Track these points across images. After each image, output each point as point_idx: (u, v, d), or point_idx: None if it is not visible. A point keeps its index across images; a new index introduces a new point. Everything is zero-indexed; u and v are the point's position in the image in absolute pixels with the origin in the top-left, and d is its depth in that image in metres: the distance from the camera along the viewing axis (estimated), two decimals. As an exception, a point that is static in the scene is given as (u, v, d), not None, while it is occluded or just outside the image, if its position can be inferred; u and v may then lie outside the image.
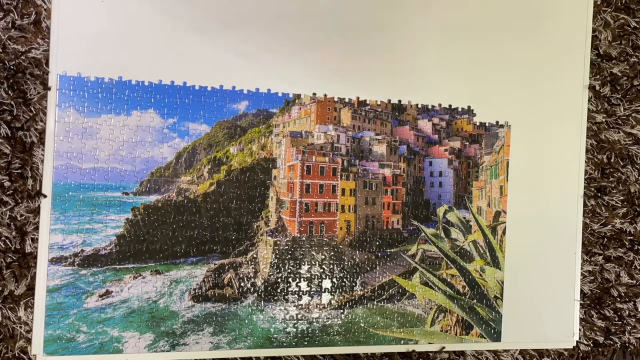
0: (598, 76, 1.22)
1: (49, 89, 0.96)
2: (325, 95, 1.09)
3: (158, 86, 1.01)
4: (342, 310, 1.08)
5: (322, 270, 1.08)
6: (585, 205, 1.21)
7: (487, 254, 1.16)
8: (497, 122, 1.17)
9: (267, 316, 1.05)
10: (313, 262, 1.08)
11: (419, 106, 1.14)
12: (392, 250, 1.12)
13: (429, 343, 1.12)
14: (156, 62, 1.01)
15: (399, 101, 1.13)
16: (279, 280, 1.06)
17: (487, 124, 1.17)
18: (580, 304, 1.21)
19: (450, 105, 1.15)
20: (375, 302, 1.10)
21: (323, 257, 1.09)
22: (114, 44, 0.99)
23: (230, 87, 1.03)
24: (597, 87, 1.22)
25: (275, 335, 1.05)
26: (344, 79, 1.09)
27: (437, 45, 1.13)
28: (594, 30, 1.22)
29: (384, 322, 1.10)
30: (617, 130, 1.23)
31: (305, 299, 1.07)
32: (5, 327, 0.95)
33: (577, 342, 1.21)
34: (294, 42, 1.06)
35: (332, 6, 1.07)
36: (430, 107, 1.15)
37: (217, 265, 1.04)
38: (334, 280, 1.09)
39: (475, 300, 1.15)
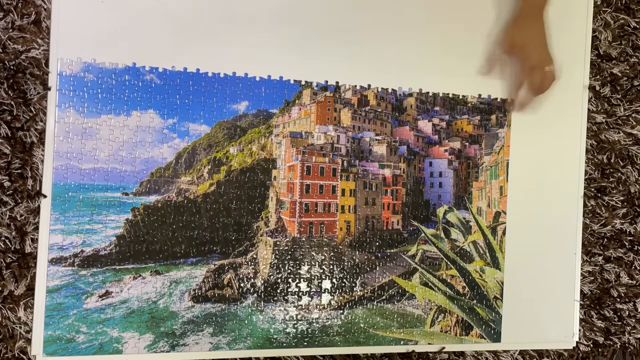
0: (598, 76, 1.22)
1: (49, 89, 0.96)
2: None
3: (158, 86, 1.01)
4: (341, 311, 1.08)
5: (322, 271, 1.08)
6: (585, 205, 1.21)
7: (487, 254, 1.16)
8: (498, 117, 1.17)
9: (267, 317, 1.05)
10: (313, 263, 1.08)
11: (422, 91, 1.14)
12: (392, 250, 1.12)
13: (429, 343, 1.12)
14: (157, 62, 1.01)
15: (402, 93, 1.13)
16: (279, 280, 1.06)
17: (486, 117, 1.17)
18: (580, 304, 1.21)
19: (449, 96, 1.15)
20: (375, 303, 1.10)
21: (323, 257, 1.09)
22: (114, 44, 0.99)
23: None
24: (597, 87, 1.22)
25: (275, 336, 1.05)
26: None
27: (437, 42, 1.13)
28: (594, 31, 1.22)
29: (383, 323, 1.10)
30: (617, 131, 1.23)
31: (305, 299, 1.07)
32: (5, 328, 0.95)
33: (577, 342, 1.21)
34: (300, 35, 1.06)
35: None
36: (430, 107, 1.15)
37: (216, 266, 1.04)
38: (334, 280, 1.09)
39: (475, 301, 1.15)
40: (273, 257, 1.06)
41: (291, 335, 1.06)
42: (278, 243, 1.07)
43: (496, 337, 1.15)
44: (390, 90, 1.13)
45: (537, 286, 1.18)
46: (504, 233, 1.17)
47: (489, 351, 1.16)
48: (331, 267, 1.09)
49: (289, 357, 1.07)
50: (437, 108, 1.16)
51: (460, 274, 1.14)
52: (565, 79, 1.20)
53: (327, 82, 1.10)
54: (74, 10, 0.97)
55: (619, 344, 1.24)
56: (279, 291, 1.06)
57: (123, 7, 0.99)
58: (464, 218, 1.17)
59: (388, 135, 1.14)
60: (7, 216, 0.95)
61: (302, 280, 1.07)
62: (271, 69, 1.06)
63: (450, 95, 1.16)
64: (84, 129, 0.98)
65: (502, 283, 1.16)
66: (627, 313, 1.24)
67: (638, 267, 1.24)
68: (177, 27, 1.01)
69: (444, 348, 1.13)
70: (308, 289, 1.07)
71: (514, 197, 1.17)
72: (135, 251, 1.01)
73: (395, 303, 1.11)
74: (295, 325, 1.06)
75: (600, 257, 1.23)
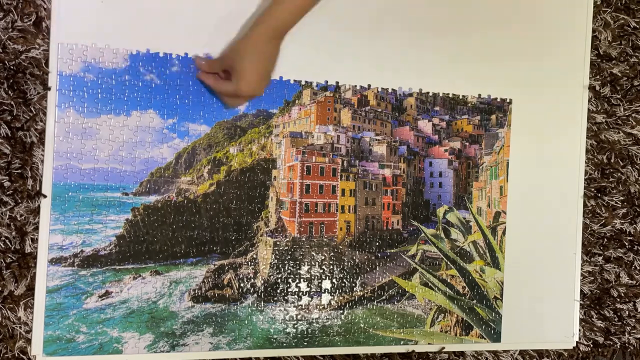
0: (598, 76, 1.22)
1: (49, 89, 0.96)
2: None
3: (158, 86, 1.01)
4: (341, 311, 1.08)
5: (321, 271, 1.08)
6: (585, 205, 1.21)
7: (487, 254, 1.16)
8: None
9: (267, 317, 1.05)
10: (313, 263, 1.08)
11: (422, 91, 1.14)
12: (392, 250, 1.12)
13: (429, 343, 1.12)
14: (157, 62, 1.00)
15: (403, 93, 1.13)
16: (279, 280, 1.06)
17: (486, 115, 1.17)
18: (580, 304, 1.21)
19: (449, 96, 1.15)
20: (375, 303, 1.10)
21: (323, 257, 1.09)
22: (114, 44, 0.99)
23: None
24: (597, 87, 1.22)
25: (275, 336, 1.05)
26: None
27: (438, 42, 1.13)
28: (594, 31, 1.22)
29: (383, 323, 1.10)
30: (617, 131, 1.23)
31: (305, 299, 1.07)
32: (5, 327, 0.95)
33: (577, 342, 1.21)
34: (300, 35, 1.06)
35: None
36: (430, 107, 1.15)
37: (216, 266, 1.04)
38: (334, 280, 1.09)
39: (475, 301, 1.15)
40: (273, 257, 1.06)
41: (291, 335, 1.06)
42: (278, 243, 1.07)
43: (496, 337, 1.15)
44: (390, 90, 1.13)
45: (537, 286, 1.18)
46: (504, 233, 1.17)
47: (489, 351, 1.16)
48: (331, 267, 1.09)
49: (289, 357, 1.07)
50: (437, 108, 1.16)
51: (460, 274, 1.14)
52: (565, 79, 1.20)
53: (327, 82, 1.10)
54: (74, 10, 0.97)
55: (619, 344, 1.24)
56: (279, 291, 1.06)
57: (123, 7, 0.99)
58: (464, 218, 1.17)
59: (388, 135, 1.14)
60: (7, 216, 0.95)
61: (302, 280, 1.07)
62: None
63: (450, 95, 1.16)
64: (84, 129, 0.98)
65: (502, 283, 1.16)
66: (627, 313, 1.24)
67: (638, 267, 1.24)
68: (177, 28, 1.01)
69: (444, 348, 1.13)
70: (308, 289, 1.07)
71: (514, 197, 1.17)
72: (135, 251, 1.01)
73: (395, 303, 1.11)
74: (295, 325, 1.06)
75: (600, 257, 1.23)
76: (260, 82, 0.95)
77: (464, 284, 1.14)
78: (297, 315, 1.06)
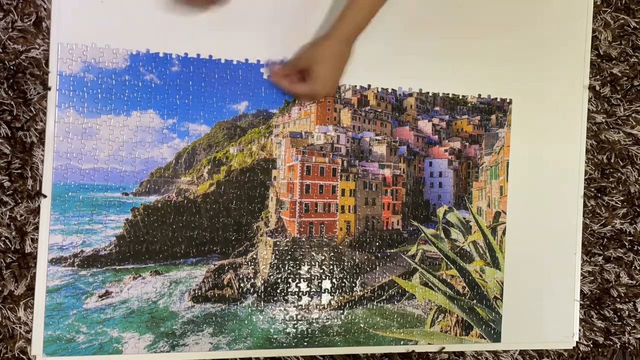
0: (598, 76, 1.22)
1: (49, 89, 0.96)
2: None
3: (158, 86, 1.01)
4: (341, 311, 1.08)
5: (321, 271, 1.08)
6: (585, 205, 1.21)
7: (487, 254, 1.16)
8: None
9: (267, 317, 1.05)
10: (313, 263, 1.08)
11: (422, 91, 1.14)
12: (392, 250, 1.12)
13: (429, 343, 1.12)
14: (157, 62, 1.00)
15: (402, 93, 1.13)
16: (279, 280, 1.06)
17: (485, 115, 1.17)
18: (580, 304, 1.21)
19: (449, 96, 1.15)
20: (375, 303, 1.10)
21: (323, 257, 1.09)
22: (114, 44, 0.99)
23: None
24: (597, 87, 1.22)
25: (275, 336, 1.05)
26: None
27: (437, 42, 1.13)
28: (594, 31, 1.22)
29: (383, 323, 1.10)
30: (617, 131, 1.23)
31: (305, 299, 1.07)
32: (4, 328, 0.95)
33: (577, 342, 1.21)
34: (301, 35, 1.06)
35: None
36: (430, 107, 1.15)
37: (216, 266, 1.04)
38: (334, 280, 1.09)
39: (475, 301, 1.15)
40: (273, 257, 1.06)
41: (291, 335, 1.06)
42: (278, 243, 1.07)
43: (496, 337, 1.15)
44: (390, 90, 1.13)
45: (537, 286, 1.18)
46: (504, 233, 1.17)
47: (489, 351, 1.16)
48: (331, 267, 1.09)
49: (289, 357, 1.07)
50: (437, 108, 1.16)
51: (460, 274, 1.14)
52: (565, 79, 1.20)
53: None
54: (74, 10, 0.97)
55: (619, 344, 1.24)
56: (279, 291, 1.06)
57: (123, 7, 0.99)
58: (464, 218, 1.17)
59: (388, 135, 1.14)
60: (7, 216, 0.95)
61: (302, 280, 1.07)
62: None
63: (450, 95, 1.16)
64: (84, 129, 0.98)
65: (502, 283, 1.16)
66: (627, 313, 1.24)
67: (638, 267, 1.24)
68: (177, 28, 1.01)
69: (444, 348, 1.13)
70: (308, 289, 1.07)
71: (514, 197, 1.17)
72: (135, 251, 1.01)
73: (395, 303, 1.11)
74: (295, 325, 1.06)
75: (600, 257, 1.23)
76: (335, 84, 1.02)
77: (464, 284, 1.14)
78: (297, 315, 1.06)
